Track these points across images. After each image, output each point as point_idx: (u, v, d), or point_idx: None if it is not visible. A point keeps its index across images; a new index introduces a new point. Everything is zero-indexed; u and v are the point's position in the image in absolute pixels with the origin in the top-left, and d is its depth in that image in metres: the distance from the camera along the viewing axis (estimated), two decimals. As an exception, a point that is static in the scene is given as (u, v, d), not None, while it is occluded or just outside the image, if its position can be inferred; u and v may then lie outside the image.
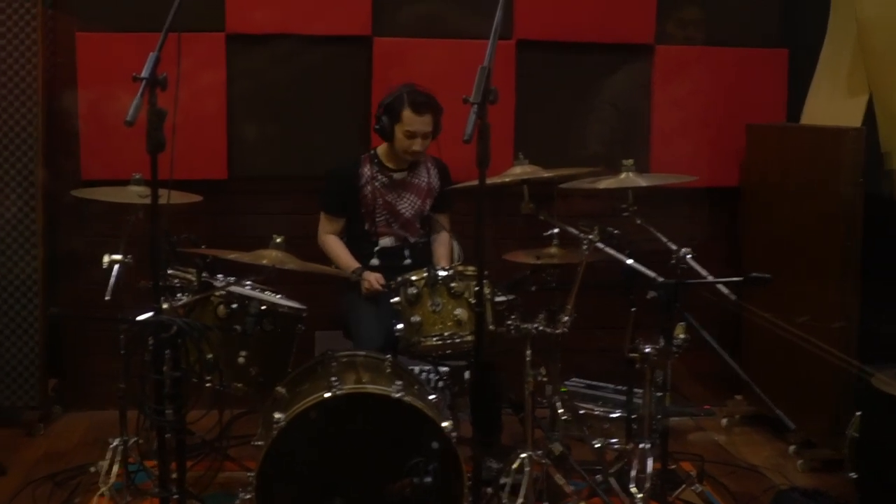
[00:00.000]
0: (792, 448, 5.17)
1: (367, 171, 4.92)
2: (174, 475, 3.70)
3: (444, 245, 5.04)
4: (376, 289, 4.66)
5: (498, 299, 4.31)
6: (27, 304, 5.32)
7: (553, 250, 4.56)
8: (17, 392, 5.36)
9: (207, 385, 4.03)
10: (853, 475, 4.38)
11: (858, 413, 4.45)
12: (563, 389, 4.94)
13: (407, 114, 4.72)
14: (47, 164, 5.37)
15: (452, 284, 4.25)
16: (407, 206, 4.94)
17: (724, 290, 4.13)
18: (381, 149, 4.96)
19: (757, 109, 5.86)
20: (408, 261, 4.90)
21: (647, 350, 4.14)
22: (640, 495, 4.12)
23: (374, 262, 4.87)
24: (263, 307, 4.20)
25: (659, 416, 4.25)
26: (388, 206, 4.91)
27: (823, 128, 5.33)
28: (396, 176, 4.93)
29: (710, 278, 4.09)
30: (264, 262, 4.06)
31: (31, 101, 5.26)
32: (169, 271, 4.24)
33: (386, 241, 4.93)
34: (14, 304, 5.31)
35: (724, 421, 5.71)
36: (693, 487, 4.41)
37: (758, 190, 5.69)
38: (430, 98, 4.77)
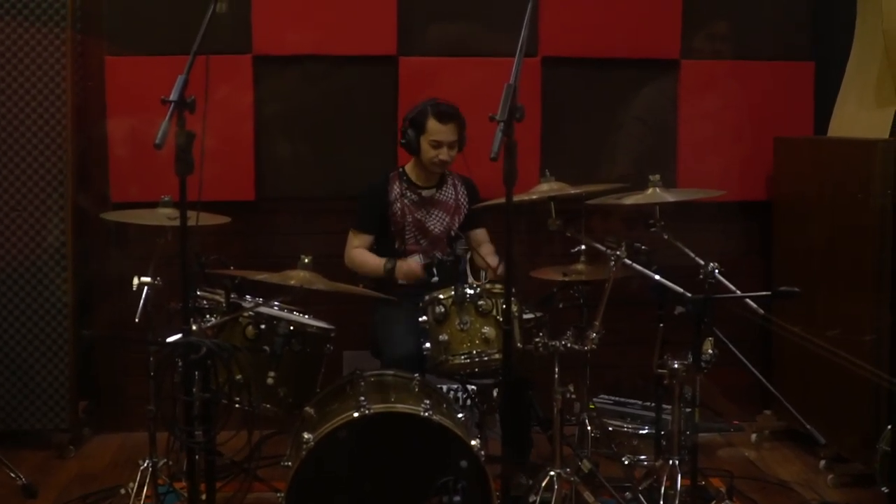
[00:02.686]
0: (823, 463, 5.13)
1: (395, 188, 4.95)
2: (204, 496, 3.72)
3: (487, 251, 5.01)
4: (416, 272, 4.67)
5: (526, 317, 4.32)
6: (57, 326, 5.35)
7: (580, 267, 4.56)
8: (48, 414, 5.39)
9: (236, 406, 4.04)
10: (885, 489, 4.35)
11: (890, 427, 4.43)
12: (591, 406, 4.93)
13: (431, 123, 4.77)
14: (77, 188, 5.41)
15: (480, 302, 4.26)
16: (435, 222, 4.96)
17: (753, 304, 4.12)
18: (409, 166, 4.99)
19: (784, 122, 5.84)
20: (435, 278, 4.90)
21: (675, 366, 4.14)
22: (670, 512, 4.12)
23: (402, 281, 4.88)
24: (292, 328, 4.21)
25: (688, 433, 4.23)
26: (418, 223, 4.92)
27: (852, 140, 5.31)
28: (425, 193, 4.96)
29: (739, 293, 4.08)
30: (292, 282, 4.07)
31: (61, 125, 5.30)
32: (198, 293, 4.27)
33: (414, 259, 4.94)
34: (45, 327, 5.35)
35: (754, 436, 5.68)
36: (723, 504, 4.40)
37: (787, 203, 5.67)
38: (453, 108, 4.83)
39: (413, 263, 4.74)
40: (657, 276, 4.13)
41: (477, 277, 4.72)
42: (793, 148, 5.67)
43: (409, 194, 4.94)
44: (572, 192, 4.36)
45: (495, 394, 4.75)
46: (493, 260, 4.86)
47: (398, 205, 4.91)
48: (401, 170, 5.01)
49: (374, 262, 4.88)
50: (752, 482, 5.00)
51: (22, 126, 5.28)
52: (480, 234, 5.09)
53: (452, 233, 4.90)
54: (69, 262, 5.35)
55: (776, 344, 5.64)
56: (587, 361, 4.68)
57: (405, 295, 4.68)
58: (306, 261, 4.14)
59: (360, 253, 4.95)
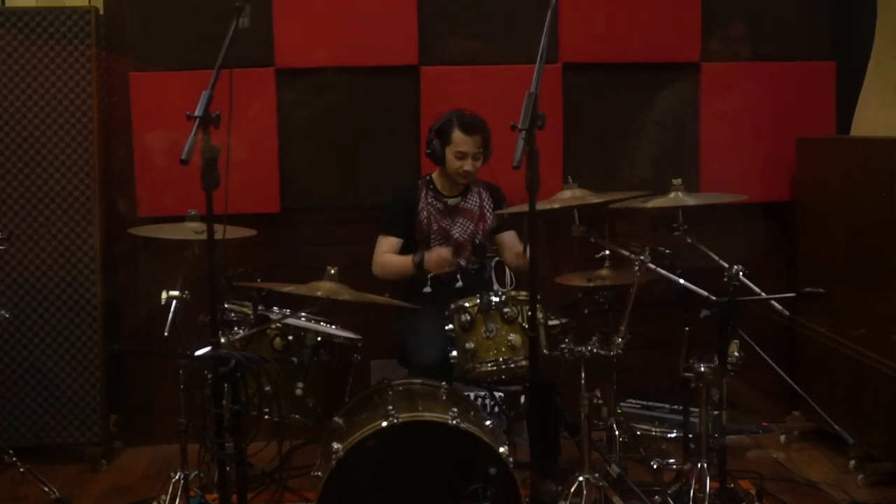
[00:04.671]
0: (852, 463, 5.12)
1: (423, 196, 4.98)
2: (236, 507, 3.74)
3: (513, 251, 4.97)
4: (447, 258, 4.68)
5: (551, 323, 4.33)
6: (87, 341, 5.40)
7: (605, 272, 4.56)
8: (80, 428, 5.44)
9: (266, 417, 4.07)
10: (916, 488, 4.35)
11: (919, 426, 4.42)
12: (618, 411, 4.93)
13: (457, 135, 4.80)
14: (104, 203, 5.47)
15: (505, 310, 4.27)
16: (459, 231, 4.98)
17: (778, 306, 4.12)
18: (436, 174, 5.02)
19: (806, 123, 5.82)
20: (459, 284, 4.91)
21: (702, 369, 4.14)
22: (699, 515, 4.12)
23: (427, 289, 4.89)
24: (319, 338, 4.24)
25: (716, 435, 4.24)
26: (443, 231, 4.94)
27: (875, 139, 5.30)
28: (450, 202, 4.98)
29: (764, 295, 4.08)
30: (319, 293, 4.09)
31: (88, 142, 5.36)
32: (225, 305, 4.30)
33: (440, 268, 4.96)
34: (75, 342, 5.40)
35: (783, 437, 5.66)
36: (753, 506, 4.40)
37: (811, 203, 5.66)
38: (478, 119, 4.85)
39: (442, 250, 4.74)
40: (681, 280, 4.13)
41: (502, 284, 4.73)
42: (815, 148, 5.66)
43: (434, 203, 4.96)
44: (593, 201, 4.37)
45: (522, 400, 4.76)
46: (517, 259, 4.86)
47: (424, 213, 4.94)
48: (427, 178, 5.04)
49: (403, 261, 4.89)
50: (782, 483, 4.99)
51: (49, 143, 5.34)
52: (509, 237, 5.09)
53: (477, 240, 4.90)
54: (98, 277, 5.40)
55: (802, 345, 5.62)
56: (613, 366, 4.69)
57: (431, 302, 4.70)
58: (332, 272, 4.16)
59: (388, 257, 4.97)
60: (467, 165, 4.83)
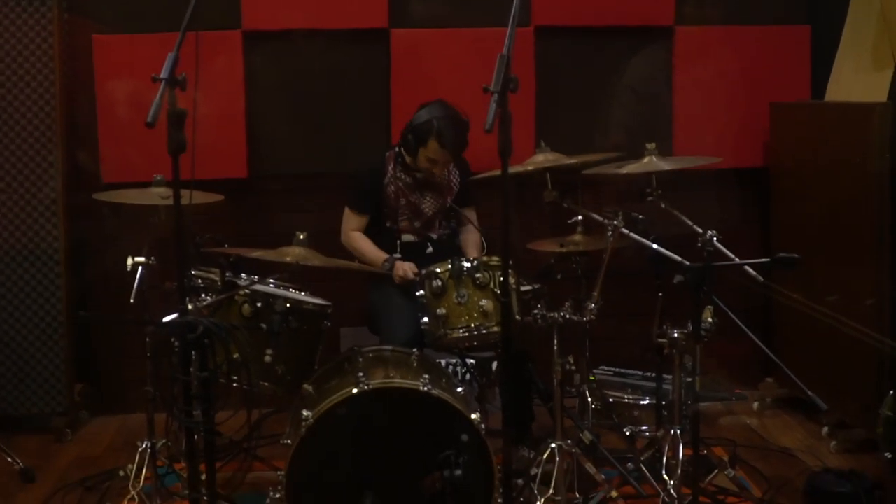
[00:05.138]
0: (825, 430, 5.17)
1: (390, 169, 4.94)
2: (203, 477, 3.73)
3: (472, 237, 5.04)
4: (409, 278, 4.68)
5: (524, 289, 4.34)
6: (51, 309, 5.37)
7: (578, 238, 4.58)
8: (45, 398, 5.41)
9: (235, 385, 4.06)
10: (888, 455, 4.38)
11: (892, 392, 4.46)
12: (591, 378, 4.95)
13: (433, 144, 4.75)
14: (67, 169, 5.43)
15: (477, 275, 4.27)
16: (429, 204, 4.97)
17: (752, 272, 4.14)
18: (407, 151, 4.99)
19: (780, 88, 5.84)
20: (429, 250, 4.92)
21: (675, 335, 4.16)
22: (672, 482, 4.14)
23: (397, 255, 4.88)
24: (288, 305, 4.21)
25: (689, 402, 4.26)
26: (412, 205, 4.93)
27: (849, 104, 5.32)
28: (419, 176, 4.94)
29: (737, 261, 4.09)
30: (288, 259, 4.08)
31: (50, 106, 5.31)
32: (193, 272, 4.28)
33: (408, 238, 4.95)
34: (38, 311, 5.37)
35: (756, 404, 5.71)
36: (726, 472, 4.43)
37: (784, 169, 5.68)
38: (459, 131, 4.77)
39: (409, 271, 4.71)
40: (655, 246, 4.14)
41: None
42: (789, 113, 5.68)
43: (403, 176, 4.93)
44: (568, 162, 4.37)
45: (494, 367, 4.77)
46: (472, 252, 4.90)
47: (392, 187, 4.91)
48: (396, 149, 4.98)
49: (372, 254, 4.89)
50: (755, 450, 5.04)
51: (10, 108, 5.29)
52: (469, 213, 5.10)
53: (448, 206, 4.91)
54: (62, 244, 5.37)
55: (776, 311, 5.66)
56: (586, 333, 4.71)
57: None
58: (301, 237, 4.15)
59: (359, 239, 4.97)
60: (436, 170, 4.84)
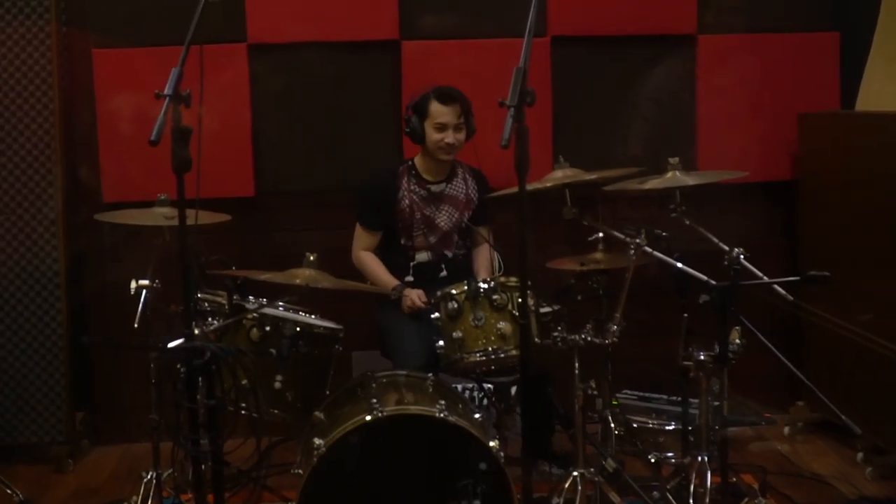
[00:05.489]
0: (860, 455, 5.15)
1: (404, 183, 4.96)
2: (212, 508, 3.74)
3: (484, 258, 5.05)
4: (419, 306, 4.69)
5: (543, 310, 4.34)
6: (51, 334, 5.39)
7: (598, 256, 4.58)
8: (44, 427, 5.42)
9: (243, 412, 4.07)
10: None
11: (930, 415, 4.45)
12: (614, 402, 4.95)
13: (434, 106, 4.79)
14: (67, 188, 5.44)
15: (494, 297, 4.28)
16: (445, 218, 4.97)
17: (781, 290, 4.13)
18: (418, 159, 4.99)
19: (809, 97, 5.83)
20: (443, 273, 4.92)
21: (701, 357, 4.15)
22: (699, 511, 4.13)
23: (409, 278, 4.90)
24: (298, 328, 4.23)
25: (717, 427, 4.26)
26: (426, 219, 4.94)
27: (882, 113, 5.32)
28: (434, 188, 4.96)
29: (766, 279, 4.09)
30: (297, 281, 4.09)
31: (49, 123, 5.33)
32: (199, 295, 4.30)
33: (422, 256, 4.96)
34: (37, 335, 5.38)
35: (787, 429, 5.70)
36: (756, 501, 4.41)
37: (813, 182, 5.67)
38: (455, 89, 4.86)
39: (418, 299, 4.72)
40: (679, 264, 4.14)
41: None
42: (818, 124, 5.68)
43: (417, 189, 4.95)
44: (588, 178, 4.38)
45: (513, 392, 4.77)
46: (483, 275, 4.92)
47: (406, 201, 4.92)
48: (409, 163, 5.01)
49: (383, 279, 4.90)
50: (786, 477, 5.03)
51: (7, 125, 5.32)
52: (484, 232, 5.11)
53: (464, 225, 4.92)
54: (62, 267, 5.38)
55: (807, 331, 5.64)
56: (609, 355, 4.70)
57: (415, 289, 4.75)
58: (311, 258, 4.16)
59: (370, 261, 4.98)
60: (448, 137, 4.81)
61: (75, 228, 5.53)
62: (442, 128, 4.81)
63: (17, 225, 5.35)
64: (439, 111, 4.79)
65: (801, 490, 4.89)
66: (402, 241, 4.95)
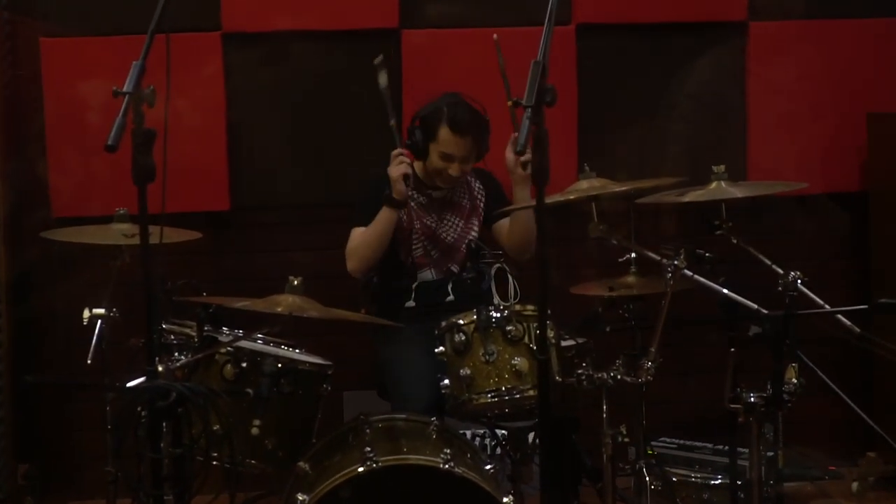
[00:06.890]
0: (941, 515, 5.17)
1: (402, 187, 4.97)
2: (179, 575, 3.77)
3: (518, 224, 4.93)
4: (404, 171, 4.69)
5: (565, 344, 4.37)
6: (-9, 373, 5.42)
7: (630, 280, 4.60)
8: (-18, 481, 5.46)
9: (215, 463, 4.09)
10: None
11: None
12: (649, 452, 4.96)
13: (444, 133, 4.78)
14: (9, 203, 5.48)
15: (509, 328, 4.29)
16: (448, 229, 5.00)
17: (846, 321, 4.16)
18: (418, 163, 5.02)
19: (880, 95, 5.87)
20: (450, 297, 4.94)
21: (752, 399, 4.16)
22: (750, 580, 4.15)
23: (411, 303, 4.92)
24: (280, 365, 4.25)
25: (771, 482, 4.27)
26: (427, 230, 4.97)
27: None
28: (436, 194, 5.00)
29: (828, 308, 4.11)
30: (279, 309, 4.10)
31: (-12, 124, 5.39)
32: (164, 326, 4.31)
33: (425, 275, 4.99)
34: (-26, 374, 5.42)
35: (855, 485, 5.69)
36: (818, 568, 4.44)
37: (886, 193, 5.69)
38: (474, 115, 4.82)
39: (404, 167, 4.73)
40: (725, 290, 4.17)
41: (504, 297, 4.76)
42: (891, 125, 5.70)
43: (416, 196, 4.97)
44: (618, 189, 4.40)
45: (531, 439, 4.79)
46: (516, 241, 4.90)
47: (404, 209, 4.94)
48: (408, 165, 5.04)
49: (373, 224, 4.83)
50: (854, 540, 5.05)
51: (-58, 127, 5.37)
52: (507, 222, 5.04)
53: (473, 244, 4.93)
54: (2, 294, 5.41)
55: (878, 369, 5.66)
56: (642, 396, 4.73)
57: (416, 319, 4.78)
58: (296, 283, 4.15)
59: (358, 237, 4.91)
60: (453, 170, 4.82)
61: (18, 248, 5.55)
62: (448, 158, 4.82)
63: (-48, 244, 5.41)
64: (449, 141, 4.78)
65: (872, 556, 4.92)
66: (401, 257, 4.96)
